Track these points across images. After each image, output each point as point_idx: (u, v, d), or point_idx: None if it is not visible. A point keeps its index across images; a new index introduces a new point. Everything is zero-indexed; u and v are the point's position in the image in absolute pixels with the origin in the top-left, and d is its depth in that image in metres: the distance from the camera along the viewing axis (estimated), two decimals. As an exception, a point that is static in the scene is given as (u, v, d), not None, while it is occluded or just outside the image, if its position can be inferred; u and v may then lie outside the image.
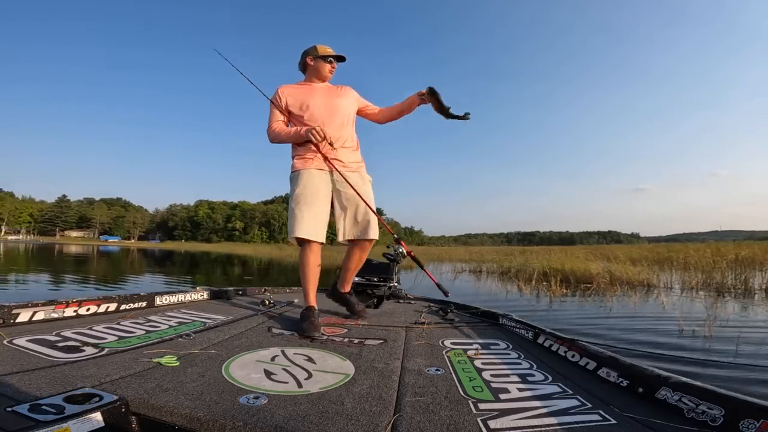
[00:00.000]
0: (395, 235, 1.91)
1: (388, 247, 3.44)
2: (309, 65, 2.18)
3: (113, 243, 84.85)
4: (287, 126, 2.17)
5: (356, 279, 3.24)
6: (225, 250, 37.24)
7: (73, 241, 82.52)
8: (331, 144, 2.05)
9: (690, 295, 5.98)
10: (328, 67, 2.19)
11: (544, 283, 7.19)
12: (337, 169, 2.05)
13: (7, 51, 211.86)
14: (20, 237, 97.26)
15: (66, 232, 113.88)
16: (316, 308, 1.99)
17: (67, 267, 11.97)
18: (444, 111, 1.98)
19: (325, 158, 2.06)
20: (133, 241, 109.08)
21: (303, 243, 2.01)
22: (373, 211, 2.06)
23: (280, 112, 2.15)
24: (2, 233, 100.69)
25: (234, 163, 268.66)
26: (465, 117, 1.98)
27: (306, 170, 2.07)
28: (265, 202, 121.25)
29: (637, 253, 11.31)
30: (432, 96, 1.99)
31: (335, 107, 2.14)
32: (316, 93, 2.15)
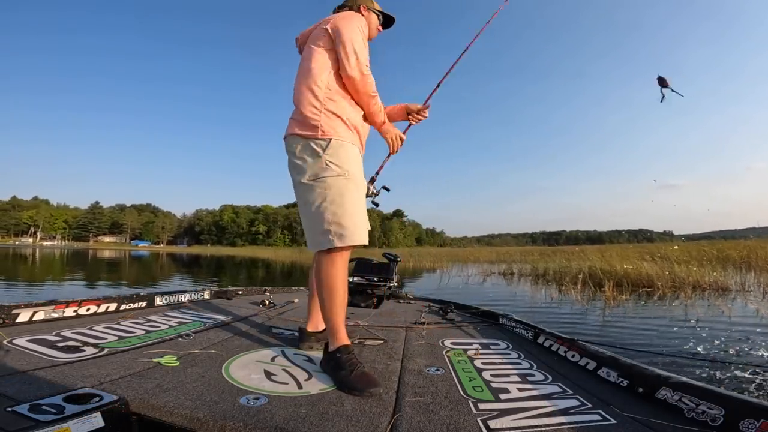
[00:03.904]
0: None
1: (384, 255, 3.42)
2: (362, 14, 1.61)
3: (144, 248, 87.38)
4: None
5: (356, 278, 3.26)
6: (248, 254, 37.73)
7: (106, 246, 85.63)
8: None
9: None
10: (375, 23, 1.67)
11: (593, 287, 6.52)
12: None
13: (45, 63, 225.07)
14: (55, 243, 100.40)
15: (99, 238, 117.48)
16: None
17: (102, 271, 12.17)
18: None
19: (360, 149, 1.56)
20: (162, 245, 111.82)
21: (345, 249, 1.37)
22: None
23: None
24: (38, 239, 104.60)
25: (256, 168, 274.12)
26: None
27: (354, 146, 1.46)
28: (287, 206, 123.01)
29: (693, 251, 10.21)
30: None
31: None
32: None
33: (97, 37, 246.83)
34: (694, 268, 6.73)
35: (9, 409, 0.85)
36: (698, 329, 3.50)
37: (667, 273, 6.52)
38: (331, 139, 1.37)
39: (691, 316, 4.11)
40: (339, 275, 1.35)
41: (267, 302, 2.59)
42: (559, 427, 0.97)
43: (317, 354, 1.49)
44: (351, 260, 3.60)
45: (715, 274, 6.61)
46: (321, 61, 1.43)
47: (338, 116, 1.41)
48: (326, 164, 1.35)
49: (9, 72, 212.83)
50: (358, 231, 1.34)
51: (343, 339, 1.33)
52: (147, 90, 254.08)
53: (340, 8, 1.64)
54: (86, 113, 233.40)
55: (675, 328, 3.58)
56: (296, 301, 2.82)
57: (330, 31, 1.44)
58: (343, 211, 1.33)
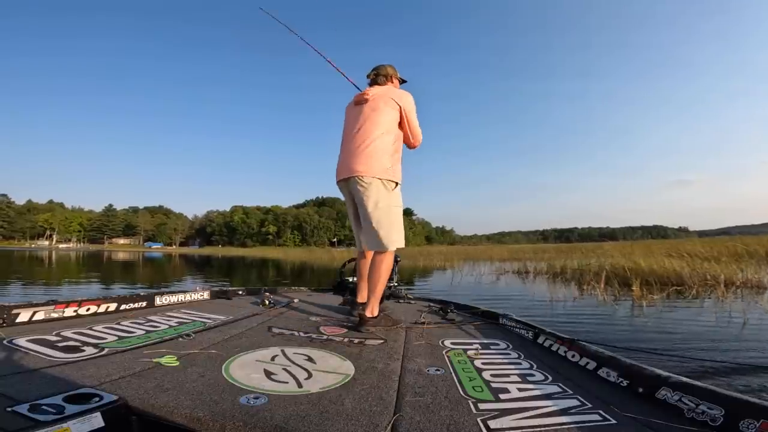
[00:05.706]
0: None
1: None
2: (394, 83, 2.36)
3: (157, 249, 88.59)
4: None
5: (357, 279, 3.13)
6: (259, 254, 37.98)
7: (120, 248, 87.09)
8: None
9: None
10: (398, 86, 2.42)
11: (618, 286, 6.18)
12: None
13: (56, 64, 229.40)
14: (71, 245, 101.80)
15: (113, 240, 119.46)
16: None
17: (119, 272, 12.23)
18: None
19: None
20: (174, 247, 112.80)
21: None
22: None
23: None
24: (54, 242, 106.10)
25: (266, 168, 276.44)
26: None
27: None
28: (297, 206, 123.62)
29: (717, 247, 9.72)
30: None
31: None
32: None
33: (96, 40, 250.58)
34: (731, 266, 6.35)
35: (9, 409, 0.85)
36: (747, 330, 3.28)
37: (697, 270, 6.23)
38: (398, 183, 2.14)
39: (736, 315, 3.84)
40: (391, 263, 2.10)
41: (267, 302, 2.60)
42: (559, 427, 0.97)
43: (317, 353, 1.52)
44: (351, 260, 3.58)
45: (751, 270, 6.29)
46: (395, 127, 2.17)
47: (399, 165, 2.19)
48: (395, 200, 2.11)
49: (49, 76, 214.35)
50: (403, 240, 2.13)
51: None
52: (150, 89, 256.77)
53: (376, 75, 2.31)
54: (94, 116, 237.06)
55: (724, 329, 3.33)
56: (296, 300, 2.81)
57: (399, 106, 2.15)
58: (401, 229, 2.13)
